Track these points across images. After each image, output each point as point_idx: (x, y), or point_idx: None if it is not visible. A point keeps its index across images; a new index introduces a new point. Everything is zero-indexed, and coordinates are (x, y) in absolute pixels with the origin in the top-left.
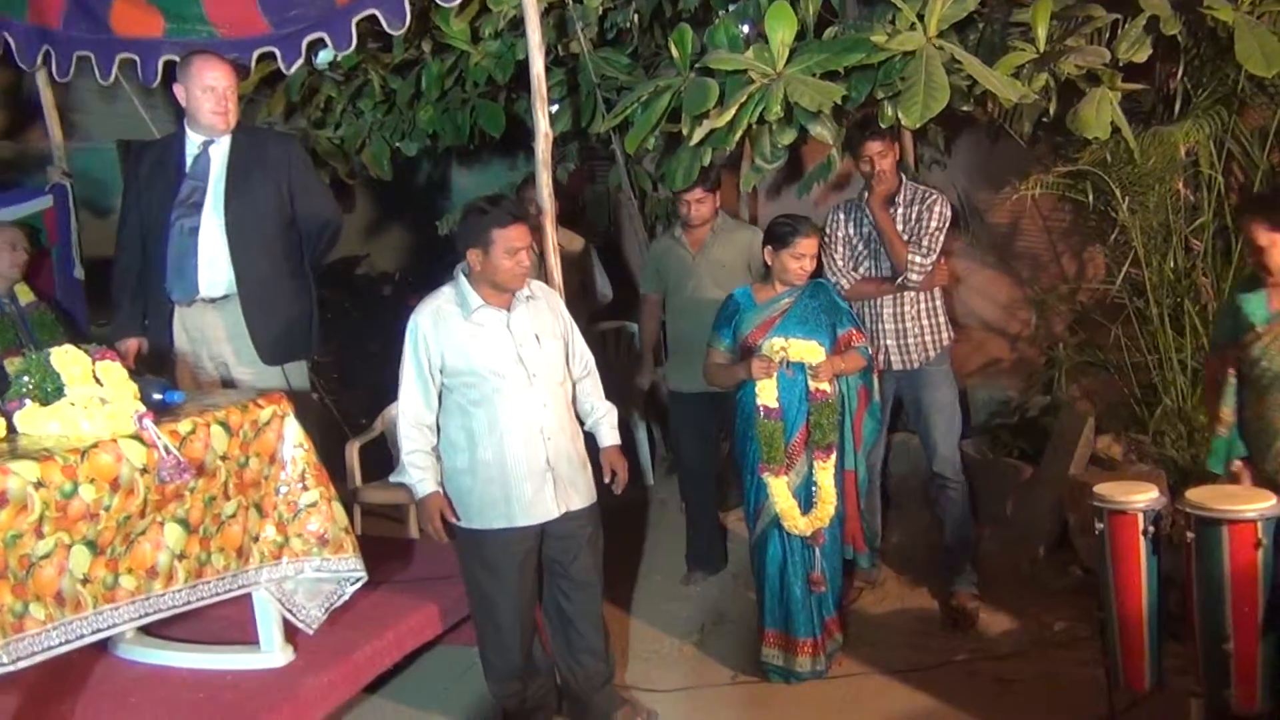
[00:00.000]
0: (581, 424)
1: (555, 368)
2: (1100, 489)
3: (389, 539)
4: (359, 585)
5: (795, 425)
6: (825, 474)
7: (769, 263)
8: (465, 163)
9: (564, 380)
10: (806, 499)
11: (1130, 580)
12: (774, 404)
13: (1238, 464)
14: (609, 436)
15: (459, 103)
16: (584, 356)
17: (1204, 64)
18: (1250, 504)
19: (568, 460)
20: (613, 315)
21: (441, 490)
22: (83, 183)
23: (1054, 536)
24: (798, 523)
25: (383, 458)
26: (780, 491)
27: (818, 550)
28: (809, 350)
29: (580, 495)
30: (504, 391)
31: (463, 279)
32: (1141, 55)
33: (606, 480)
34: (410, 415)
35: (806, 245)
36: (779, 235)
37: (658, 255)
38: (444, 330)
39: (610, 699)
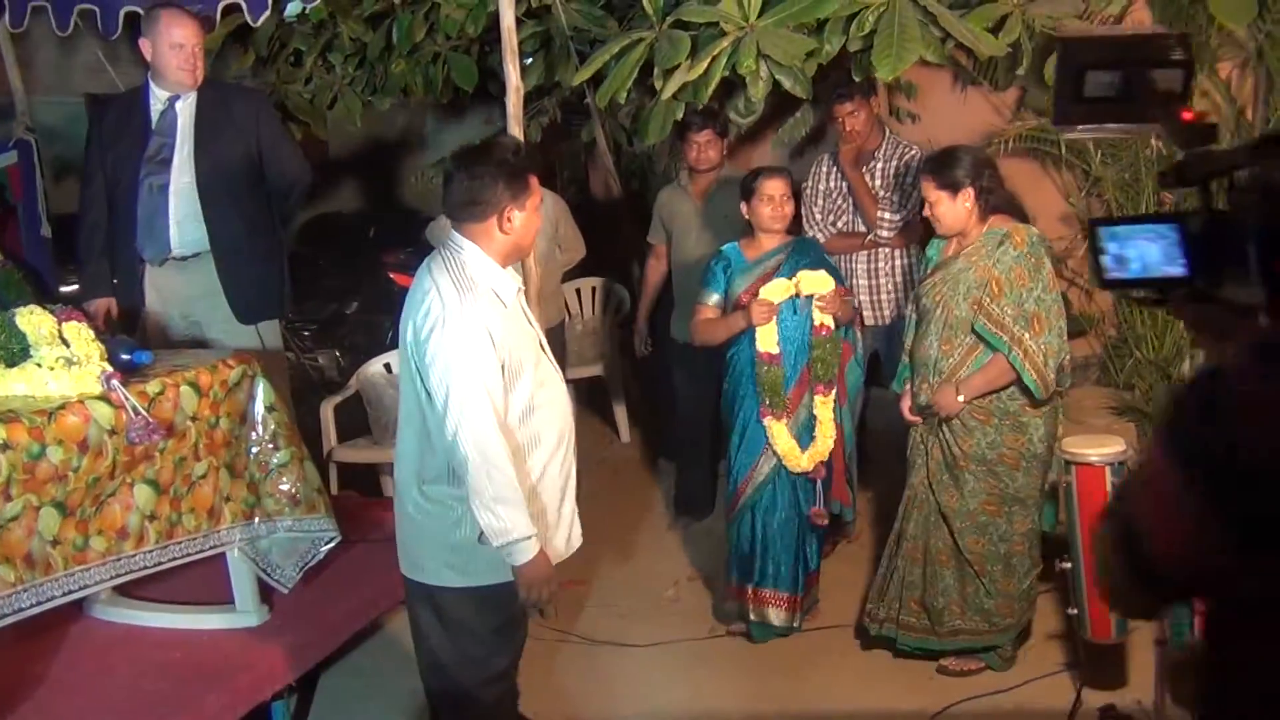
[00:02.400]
0: None
1: None
2: (1067, 442)
3: (363, 499)
4: (333, 545)
5: (796, 369)
6: (825, 409)
7: (749, 219)
8: (441, 117)
9: None
10: (805, 440)
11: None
12: (775, 349)
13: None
14: None
15: (431, 56)
16: None
17: (1177, 15)
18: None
19: None
20: (585, 272)
21: None
22: (44, 137)
23: None
24: (799, 461)
25: (358, 417)
26: (780, 434)
27: (818, 484)
28: (820, 281)
29: None
30: (546, 394)
31: (476, 251)
32: (1115, 7)
33: None
34: (498, 441)
35: (771, 186)
36: (745, 187)
37: (662, 204)
38: (501, 321)
39: None
